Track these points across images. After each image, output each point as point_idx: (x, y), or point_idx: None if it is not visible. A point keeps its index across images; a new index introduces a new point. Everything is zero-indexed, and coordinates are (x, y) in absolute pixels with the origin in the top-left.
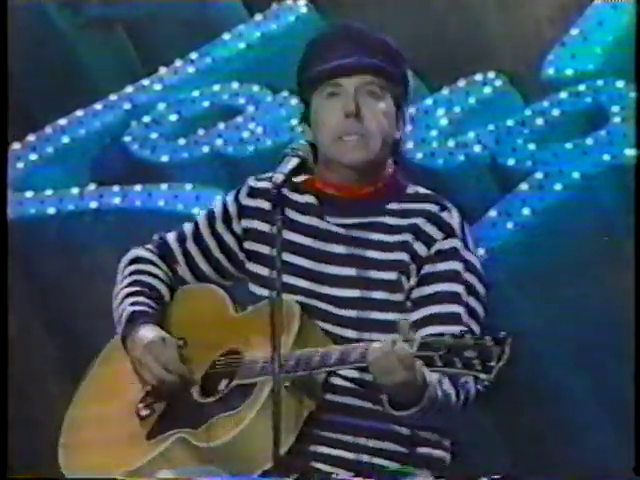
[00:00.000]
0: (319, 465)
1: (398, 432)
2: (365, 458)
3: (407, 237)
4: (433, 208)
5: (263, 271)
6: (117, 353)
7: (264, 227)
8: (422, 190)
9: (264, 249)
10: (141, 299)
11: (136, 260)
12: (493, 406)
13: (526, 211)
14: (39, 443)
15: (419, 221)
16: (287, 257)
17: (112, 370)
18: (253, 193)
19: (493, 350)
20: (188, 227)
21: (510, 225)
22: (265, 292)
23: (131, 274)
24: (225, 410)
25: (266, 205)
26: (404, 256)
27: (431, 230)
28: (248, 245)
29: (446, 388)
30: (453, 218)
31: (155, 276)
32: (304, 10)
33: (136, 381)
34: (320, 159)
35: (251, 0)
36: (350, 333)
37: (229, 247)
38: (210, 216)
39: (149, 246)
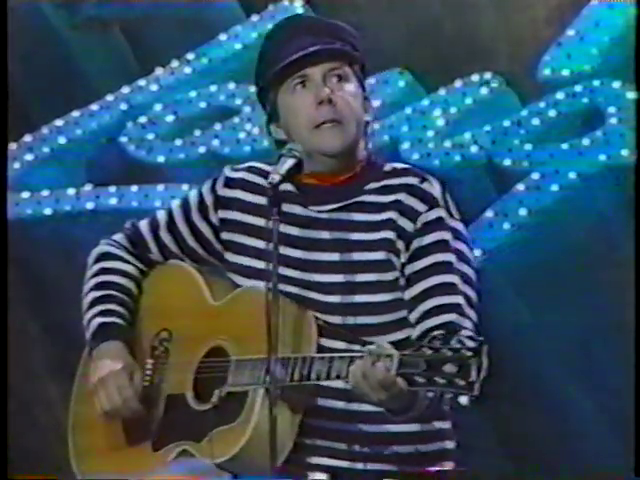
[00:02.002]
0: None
1: (393, 432)
2: (359, 466)
3: (391, 214)
4: (413, 181)
5: (245, 262)
6: None
7: (243, 217)
8: (399, 165)
9: (245, 239)
10: (111, 307)
11: (104, 257)
12: (492, 408)
13: (523, 211)
14: (39, 443)
15: (401, 196)
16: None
17: None
18: (230, 183)
19: (472, 364)
20: (162, 215)
21: (507, 226)
22: (249, 283)
23: (99, 274)
24: (222, 420)
25: (244, 195)
26: (390, 234)
27: (414, 203)
28: (226, 236)
29: None
30: (434, 188)
31: (124, 274)
32: (300, 11)
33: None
34: None
35: (248, 1)
36: (336, 319)
37: (205, 237)
38: (185, 206)
39: (118, 237)
